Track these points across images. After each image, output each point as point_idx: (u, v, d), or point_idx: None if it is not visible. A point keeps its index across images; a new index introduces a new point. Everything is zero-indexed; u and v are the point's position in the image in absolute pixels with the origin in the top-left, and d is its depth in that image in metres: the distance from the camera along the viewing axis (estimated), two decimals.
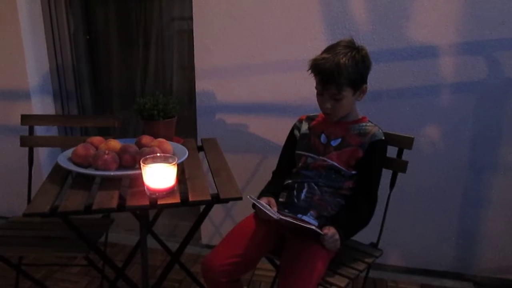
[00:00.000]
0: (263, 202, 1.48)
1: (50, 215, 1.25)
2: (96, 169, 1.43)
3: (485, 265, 2.10)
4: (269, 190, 1.58)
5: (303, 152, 1.56)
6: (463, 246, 2.10)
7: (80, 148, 1.48)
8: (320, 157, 1.51)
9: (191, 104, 2.32)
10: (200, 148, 1.82)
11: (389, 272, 2.20)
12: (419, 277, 2.17)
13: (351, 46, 1.42)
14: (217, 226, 2.31)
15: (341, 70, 1.37)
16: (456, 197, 2.04)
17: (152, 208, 1.31)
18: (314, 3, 1.91)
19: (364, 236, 1.55)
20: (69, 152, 1.53)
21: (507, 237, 2.03)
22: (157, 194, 1.31)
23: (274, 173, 1.68)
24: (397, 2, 1.84)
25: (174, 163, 1.32)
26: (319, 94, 1.46)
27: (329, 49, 1.44)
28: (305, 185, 1.52)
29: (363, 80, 1.45)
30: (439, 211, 2.07)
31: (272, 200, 1.51)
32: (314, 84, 1.45)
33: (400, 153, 1.59)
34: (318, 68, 1.41)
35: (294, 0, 1.93)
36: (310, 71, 1.44)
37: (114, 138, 1.62)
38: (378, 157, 1.50)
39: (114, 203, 1.29)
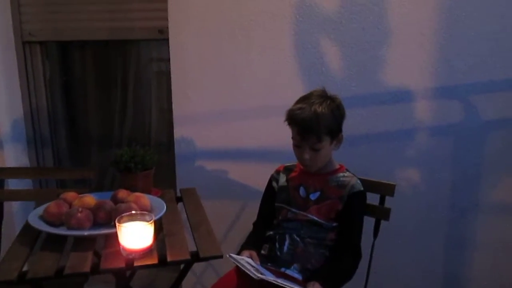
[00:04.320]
0: (245, 255, 1.43)
1: (18, 282, 1.17)
2: (69, 228, 1.36)
3: None
4: (251, 243, 1.53)
5: (283, 205, 1.53)
6: None
7: (53, 206, 1.42)
8: (301, 212, 1.49)
9: (170, 147, 2.28)
10: (179, 199, 1.77)
11: None
12: None
13: (325, 96, 1.43)
14: (199, 277, 2.22)
15: (319, 119, 1.36)
16: (439, 239, 2.02)
17: (129, 270, 1.26)
18: (291, 49, 1.92)
19: (350, 285, 1.50)
20: (40, 210, 1.46)
21: (492, 278, 2.02)
22: (133, 254, 1.26)
23: (254, 224, 1.63)
24: (372, 49, 1.87)
25: (151, 221, 1.27)
26: (297, 146, 1.44)
27: (303, 99, 1.43)
28: (287, 236, 1.48)
29: (339, 129, 1.45)
30: (424, 255, 2.04)
31: (254, 254, 1.46)
32: None
33: (382, 200, 1.58)
34: (296, 118, 1.40)
35: (272, 46, 1.94)
36: (287, 122, 1.43)
37: (90, 191, 1.57)
38: (358, 209, 1.48)
39: (87, 266, 1.22)
